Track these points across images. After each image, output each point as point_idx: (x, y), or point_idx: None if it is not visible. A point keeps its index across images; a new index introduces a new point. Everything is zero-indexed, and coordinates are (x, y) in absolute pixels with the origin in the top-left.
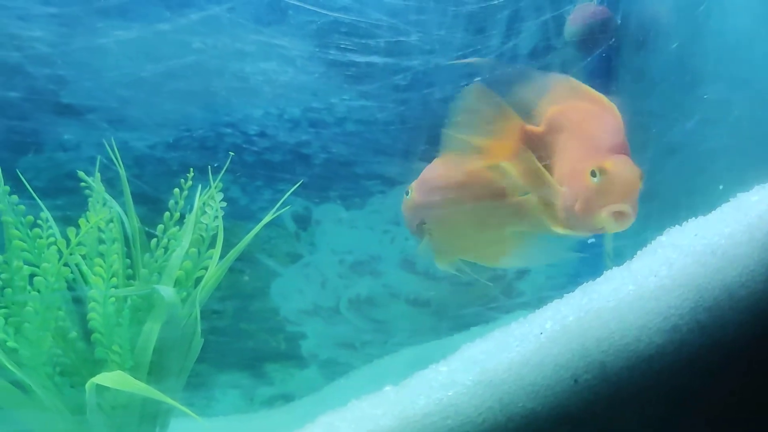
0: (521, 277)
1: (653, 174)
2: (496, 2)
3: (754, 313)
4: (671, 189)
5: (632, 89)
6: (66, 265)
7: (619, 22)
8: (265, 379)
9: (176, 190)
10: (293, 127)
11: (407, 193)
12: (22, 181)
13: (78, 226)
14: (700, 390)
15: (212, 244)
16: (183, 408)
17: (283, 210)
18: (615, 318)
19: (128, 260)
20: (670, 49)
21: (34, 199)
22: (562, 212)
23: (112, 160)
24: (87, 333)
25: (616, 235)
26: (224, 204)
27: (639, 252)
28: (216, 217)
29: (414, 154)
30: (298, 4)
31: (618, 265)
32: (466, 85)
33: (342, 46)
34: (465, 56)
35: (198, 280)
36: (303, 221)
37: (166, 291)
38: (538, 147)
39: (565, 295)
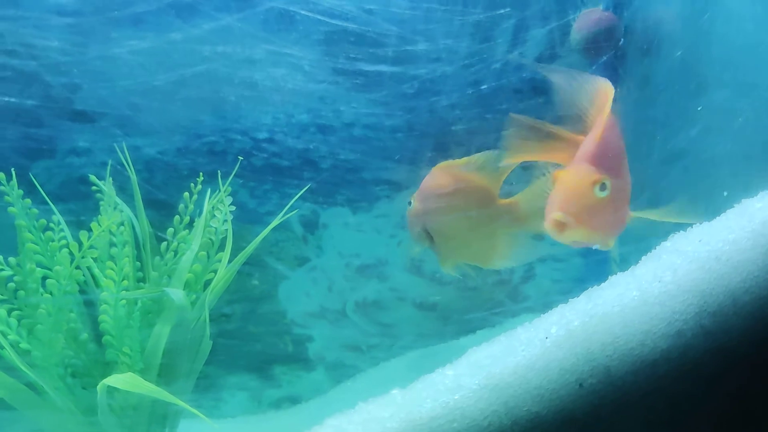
0: (527, 281)
1: (658, 180)
2: (502, 11)
3: (757, 318)
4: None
5: (637, 96)
6: (78, 267)
7: (625, 29)
8: (272, 381)
9: (186, 194)
10: (301, 133)
11: (410, 203)
12: (36, 186)
13: (90, 230)
14: (704, 394)
15: (221, 248)
16: (192, 409)
17: (291, 214)
18: (620, 323)
19: (139, 263)
20: (675, 56)
21: (47, 203)
22: None
23: (123, 165)
24: (98, 335)
25: (621, 240)
26: (233, 208)
27: (643, 257)
28: (225, 220)
29: (421, 160)
30: (307, 14)
31: (623, 270)
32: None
33: (351, 55)
34: (471, 65)
35: (207, 283)
36: (310, 225)
37: (176, 294)
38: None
39: (570, 300)
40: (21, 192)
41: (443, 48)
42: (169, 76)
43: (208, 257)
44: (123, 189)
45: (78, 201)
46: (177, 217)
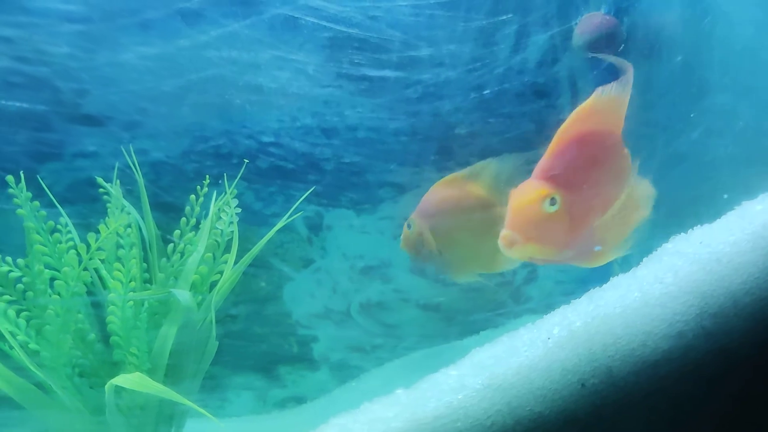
0: (529, 282)
1: (659, 183)
2: (504, 17)
3: (758, 319)
4: (677, 197)
5: (639, 99)
6: (85, 269)
7: (626, 32)
8: (277, 381)
9: (192, 196)
10: (306, 136)
11: (409, 226)
12: (44, 188)
13: (97, 232)
14: (706, 395)
15: (227, 249)
16: (199, 409)
17: (296, 216)
18: (621, 324)
19: (145, 265)
20: (676, 59)
21: (55, 205)
22: None
23: (131, 168)
24: (106, 336)
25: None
26: (239, 210)
27: (645, 259)
28: (231, 222)
29: (424, 163)
30: (312, 20)
31: (624, 272)
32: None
33: (355, 60)
34: (474, 69)
35: (213, 285)
36: (315, 227)
37: (183, 295)
38: None
39: (572, 301)
40: (30, 194)
41: (446, 53)
42: (176, 80)
43: (214, 259)
44: (130, 191)
45: (86, 203)
46: (183, 219)
